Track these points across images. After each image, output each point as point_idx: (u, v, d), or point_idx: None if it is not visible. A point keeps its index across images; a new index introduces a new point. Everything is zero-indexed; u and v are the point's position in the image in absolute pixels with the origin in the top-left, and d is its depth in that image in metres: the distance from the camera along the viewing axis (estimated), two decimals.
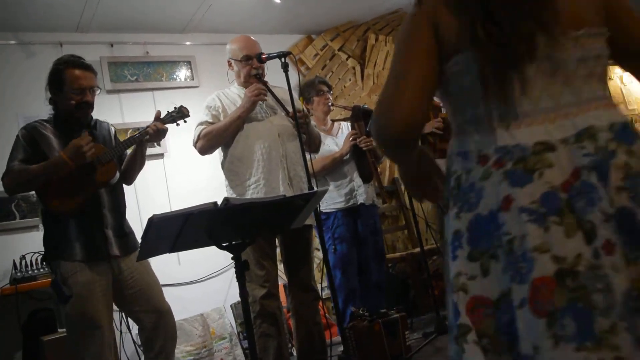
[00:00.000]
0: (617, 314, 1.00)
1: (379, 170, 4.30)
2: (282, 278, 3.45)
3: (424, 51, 1.19)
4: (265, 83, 3.09)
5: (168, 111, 2.92)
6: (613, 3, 1.22)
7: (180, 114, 2.92)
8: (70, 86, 2.70)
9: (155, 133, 2.80)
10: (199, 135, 3.08)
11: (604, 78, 1.20)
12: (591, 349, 0.99)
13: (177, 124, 2.94)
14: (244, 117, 3.03)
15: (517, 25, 1.11)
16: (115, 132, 3.03)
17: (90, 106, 2.78)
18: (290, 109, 3.00)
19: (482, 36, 1.11)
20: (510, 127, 1.14)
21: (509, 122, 1.14)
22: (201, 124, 3.10)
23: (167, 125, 2.88)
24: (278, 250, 3.19)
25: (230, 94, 3.21)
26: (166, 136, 2.91)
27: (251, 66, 3.14)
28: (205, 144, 3.07)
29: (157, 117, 2.87)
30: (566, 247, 1.04)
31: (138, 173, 2.97)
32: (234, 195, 3.01)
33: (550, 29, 1.12)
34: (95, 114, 3.00)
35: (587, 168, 1.08)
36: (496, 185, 1.12)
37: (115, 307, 2.79)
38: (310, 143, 3.22)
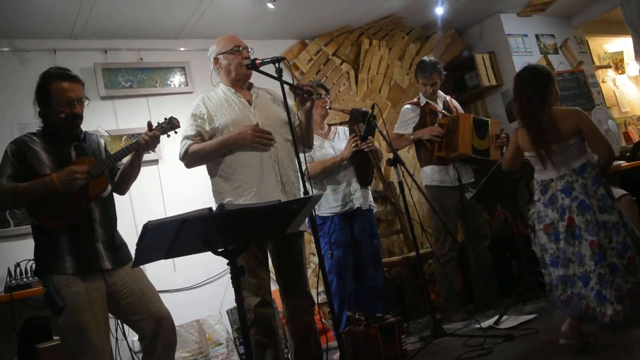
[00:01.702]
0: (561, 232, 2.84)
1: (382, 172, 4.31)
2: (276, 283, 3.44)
3: (514, 146, 3.09)
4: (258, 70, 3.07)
5: (158, 122, 2.89)
6: (583, 127, 2.85)
7: (170, 125, 2.89)
8: (58, 99, 2.68)
9: (146, 144, 2.79)
10: (185, 152, 3.04)
11: (580, 150, 2.84)
12: (560, 242, 2.84)
13: (168, 135, 2.91)
14: (233, 148, 3.00)
15: (538, 144, 2.89)
16: (105, 144, 3.00)
17: (80, 118, 2.76)
18: (285, 117, 2.99)
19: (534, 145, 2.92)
20: (542, 172, 2.94)
21: (541, 170, 2.94)
22: (187, 137, 3.06)
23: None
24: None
25: (216, 97, 3.15)
26: (161, 142, 2.90)
27: (242, 56, 3.12)
28: (191, 162, 3.07)
29: (150, 128, 2.85)
30: (551, 215, 2.87)
31: (132, 183, 2.96)
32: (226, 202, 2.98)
33: (553, 142, 2.84)
34: (90, 121, 3.00)
35: (559, 190, 2.85)
36: (538, 193, 2.95)
37: (110, 315, 2.77)
38: (310, 137, 3.21)
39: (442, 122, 4.37)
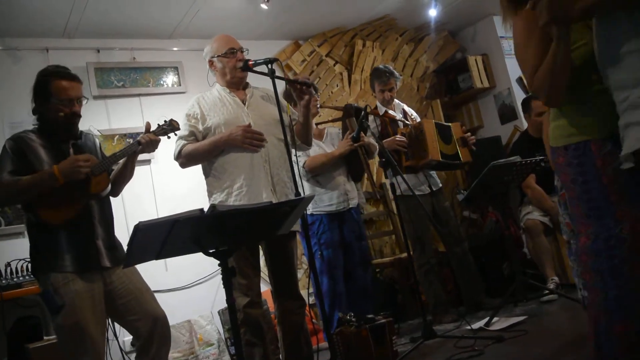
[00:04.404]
0: None
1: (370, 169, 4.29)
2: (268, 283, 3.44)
3: None
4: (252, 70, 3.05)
5: (159, 124, 2.90)
6: None
7: (171, 127, 2.91)
8: (57, 97, 2.67)
9: (147, 144, 2.79)
10: (179, 152, 3.06)
11: None
12: None
13: (169, 137, 2.93)
14: (224, 148, 3.00)
15: None
16: (100, 144, 3.00)
17: (79, 117, 2.76)
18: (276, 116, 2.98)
19: None
20: None
21: None
22: (181, 138, 3.07)
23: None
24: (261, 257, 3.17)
25: (211, 97, 3.15)
26: None
27: (236, 59, 3.12)
28: (185, 162, 3.08)
29: (148, 129, 2.84)
30: None
31: (125, 185, 2.96)
32: (217, 202, 2.97)
33: None
34: (82, 120, 2.98)
35: None
36: None
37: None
38: (309, 134, 3.21)
39: (405, 131, 4.33)
